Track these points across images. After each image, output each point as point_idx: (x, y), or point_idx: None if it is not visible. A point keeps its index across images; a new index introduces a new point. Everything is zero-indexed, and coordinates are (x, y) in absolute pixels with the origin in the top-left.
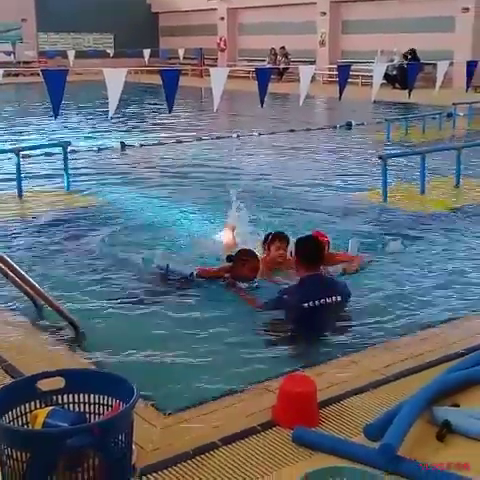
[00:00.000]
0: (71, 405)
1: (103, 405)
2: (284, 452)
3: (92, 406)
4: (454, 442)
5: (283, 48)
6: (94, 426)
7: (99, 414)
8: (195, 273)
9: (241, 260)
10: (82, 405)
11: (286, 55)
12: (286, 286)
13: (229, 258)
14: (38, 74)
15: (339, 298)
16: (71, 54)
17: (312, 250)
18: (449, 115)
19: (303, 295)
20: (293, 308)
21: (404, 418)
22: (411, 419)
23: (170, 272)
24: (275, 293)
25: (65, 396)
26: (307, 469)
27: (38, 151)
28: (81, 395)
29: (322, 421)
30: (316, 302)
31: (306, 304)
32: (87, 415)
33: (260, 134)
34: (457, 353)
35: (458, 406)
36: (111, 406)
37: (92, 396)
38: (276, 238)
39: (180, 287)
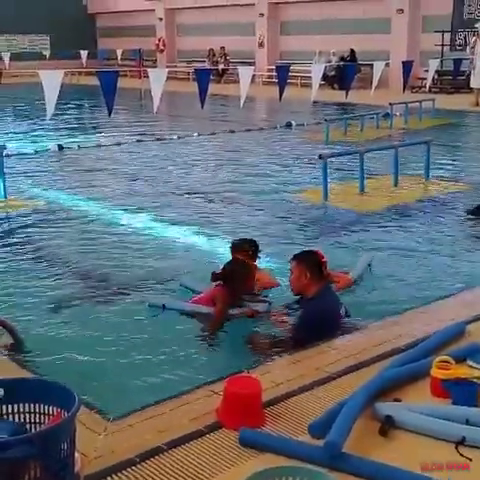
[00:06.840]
0: (10, 415)
1: (44, 414)
2: (231, 454)
3: (32, 415)
4: (397, 437)
5: (223, 48)
6: (34, 436)
7: (40, 423)
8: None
9: (239, 273)
10: (22, 415)
11: (225, 56)
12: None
13: (217, 277)
14: None
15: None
16: (6, 56)
17: (321, 262)
18: (386, 115)
19: (330, 304)
20: (328, 320)
21: (347, 415)
22: (354, 415)
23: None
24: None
25: (4, 406)
26: (253, 470)
27: None
28: (21, 405)
29: (268, 421)
30: (341, 311)
31: (337, 312)
32: (27, 425)
33: (200, 134)
34: (397, 349)
35: (400, 401)
36: (52, 415)
37: (32, 405)
38: (245, 244)
39: None
